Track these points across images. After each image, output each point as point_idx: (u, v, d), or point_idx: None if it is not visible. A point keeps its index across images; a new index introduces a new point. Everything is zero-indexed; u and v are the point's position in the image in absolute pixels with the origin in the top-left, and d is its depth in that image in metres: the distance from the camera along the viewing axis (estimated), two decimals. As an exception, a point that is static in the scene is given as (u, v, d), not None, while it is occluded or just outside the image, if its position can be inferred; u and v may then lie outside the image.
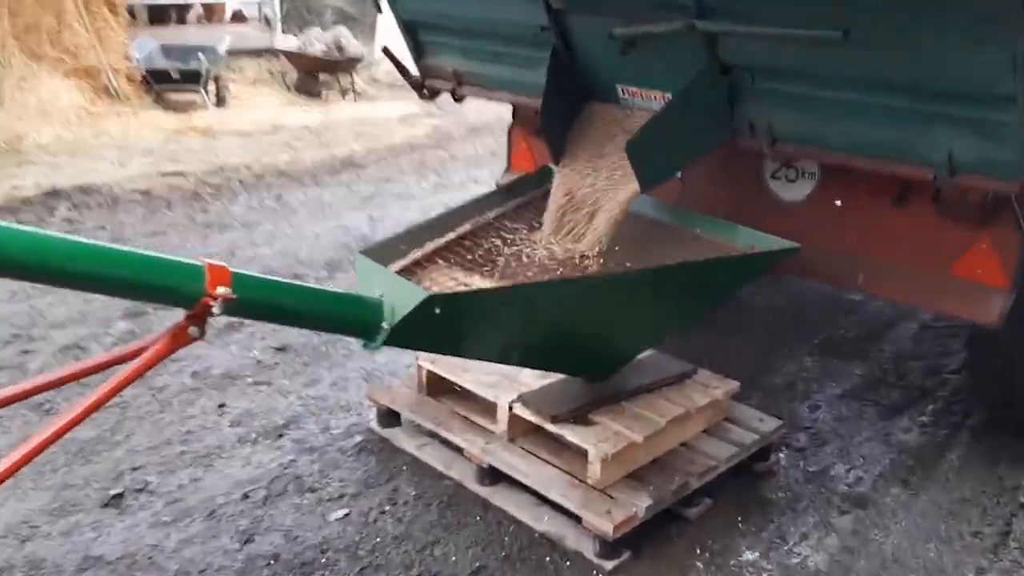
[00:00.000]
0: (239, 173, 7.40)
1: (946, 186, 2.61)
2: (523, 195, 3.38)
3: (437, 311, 2.40)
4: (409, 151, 8.62)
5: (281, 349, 4.18)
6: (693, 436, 3.17)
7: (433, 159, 8.39)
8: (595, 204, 3.00)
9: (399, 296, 2.48)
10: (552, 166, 3.26)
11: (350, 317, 2.46)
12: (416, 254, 2.91)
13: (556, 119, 3.22)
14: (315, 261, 5.43)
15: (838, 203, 3.18)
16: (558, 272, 2.95)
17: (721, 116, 2.94)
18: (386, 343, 2.49)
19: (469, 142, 9.19)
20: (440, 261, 2.94)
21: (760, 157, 3.24)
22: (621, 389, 3.14)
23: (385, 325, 2.48)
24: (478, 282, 2.77)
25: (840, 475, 3.35)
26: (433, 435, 3.30)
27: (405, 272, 2.82)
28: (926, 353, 4.39)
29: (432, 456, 3.27)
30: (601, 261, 2.97)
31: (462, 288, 2.73)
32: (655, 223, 3.18)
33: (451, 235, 3.04)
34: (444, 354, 3.17)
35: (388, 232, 5.88)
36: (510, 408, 3.08)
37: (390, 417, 3.44)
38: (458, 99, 4.04)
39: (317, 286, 2.62)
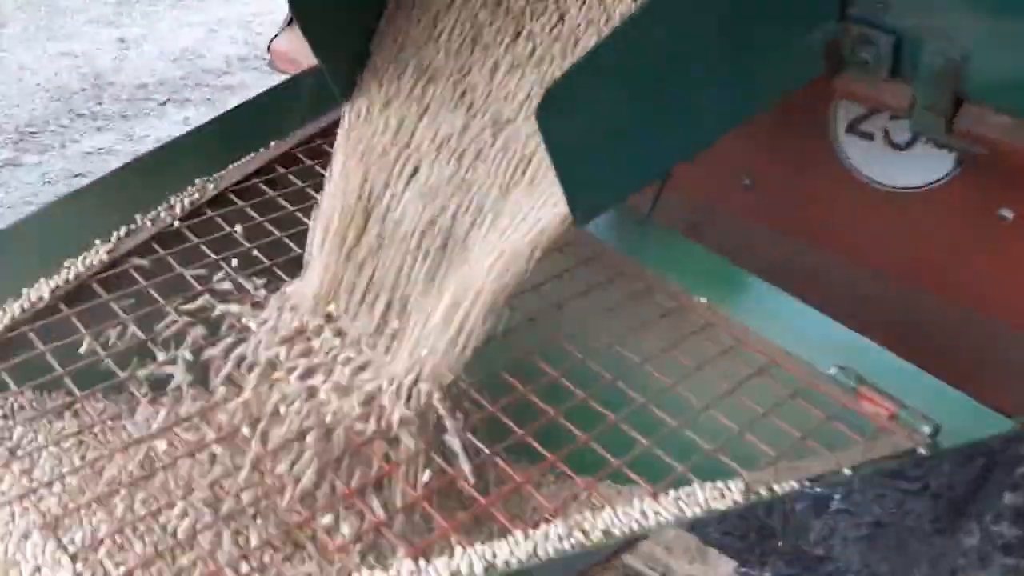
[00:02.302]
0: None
1: None
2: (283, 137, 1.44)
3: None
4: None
5: None
6: None
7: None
8: (438, 250, 1.06)
9: None
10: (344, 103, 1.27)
11: None
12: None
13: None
14: (6, 120, 3.32)
15: (1008, 215, 1.36)
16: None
17: (810, 19, 1.01)
18: None
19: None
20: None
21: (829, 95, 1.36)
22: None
23: None
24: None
25: None
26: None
27: None
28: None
29: None
30: (441, 410, 1.04)
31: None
32: (594, 260, 1.28)
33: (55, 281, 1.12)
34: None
35: (142, 68, 3.80)
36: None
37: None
38: None
39: None
